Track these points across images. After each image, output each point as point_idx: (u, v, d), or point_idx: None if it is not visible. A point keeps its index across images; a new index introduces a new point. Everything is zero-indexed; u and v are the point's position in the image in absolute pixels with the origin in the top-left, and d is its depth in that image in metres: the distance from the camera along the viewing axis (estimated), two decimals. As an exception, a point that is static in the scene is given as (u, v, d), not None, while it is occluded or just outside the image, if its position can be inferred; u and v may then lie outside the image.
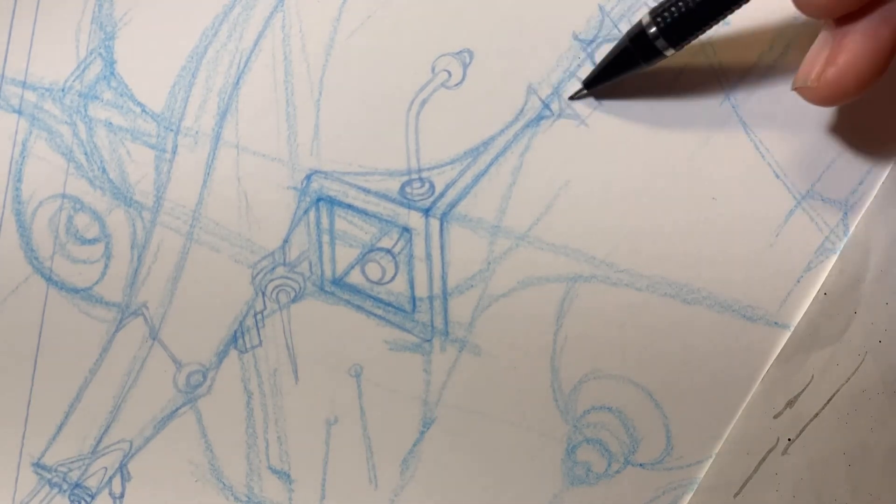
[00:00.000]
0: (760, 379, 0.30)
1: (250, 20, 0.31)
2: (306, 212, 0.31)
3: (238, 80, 0.32)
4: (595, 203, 0.30)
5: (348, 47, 0.31)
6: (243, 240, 0.32)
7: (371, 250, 0.31)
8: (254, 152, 0.32)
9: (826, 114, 0.30)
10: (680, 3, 0.26)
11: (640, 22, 0.27)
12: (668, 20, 0.27)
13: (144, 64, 0.32)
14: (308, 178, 0.31)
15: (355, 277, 0.32)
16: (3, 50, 0.33)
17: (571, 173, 0.30)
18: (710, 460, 0.31)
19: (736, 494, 0.30)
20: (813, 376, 0.29)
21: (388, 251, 0.31)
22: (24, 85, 0.32)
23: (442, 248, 0.31)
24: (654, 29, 0.27)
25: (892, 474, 0.29)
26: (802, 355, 0.30)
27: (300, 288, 0.32)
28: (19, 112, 0.32)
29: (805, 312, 0.30)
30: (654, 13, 0.27)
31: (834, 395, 0.29)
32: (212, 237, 0.32)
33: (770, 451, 0.30)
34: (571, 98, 0.30)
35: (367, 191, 0.31)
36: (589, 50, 0.30)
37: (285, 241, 0.32)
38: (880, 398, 0.29)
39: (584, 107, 0.30)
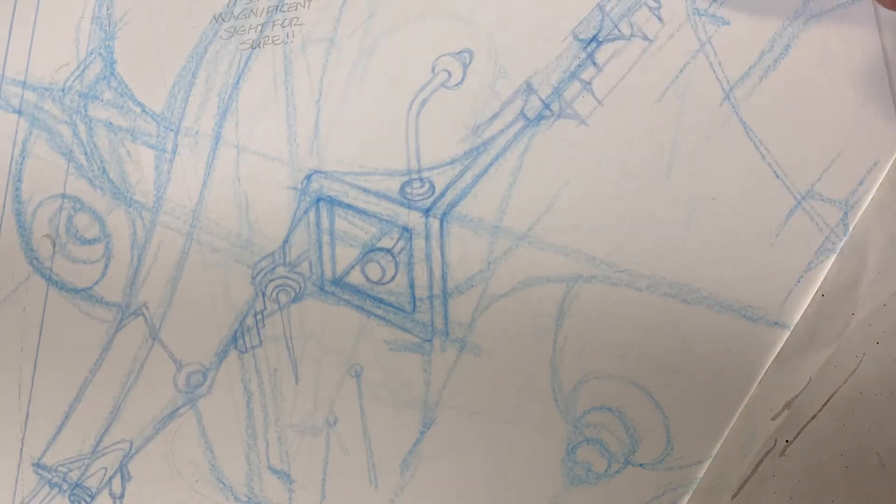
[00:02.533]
0: (759, 380, 0.30)
1: (250, 20, 0.31)
2: (306, 212, 0.31)
3: (238, 80, 0.31)
4: (595, 203, 0.30)
5: (348, 47, 0.31)
6: (243, 240, 0.32)
7: (371, 250, 0.31)
8: (254, 152, 0.32)
9: (826, 114, 0.29)
10: None
11: None
12: None
13: (144, 64, 0.32)
14: (308, 178, 0.31)
15: (355, 277, 0.32)
16: (3, 50, 0.33)
17: (571, 173, 0.30)
18: (710, 461, 0.31)
19: (734, 496, 0.30)
20: (811, 378, 0.29)
21: (388, 251, 0.31)
22: (24, 85, 0.32)
23: (442, 248, 0.31)
24: None
25: (890, 476, 0.29)
26: (801, 357, 0.30)
27: (300, 288, 0.32)
28: (19, 112, 0.32)
29: (803, 313, 0.30)
30: None
31: (832, 396, 0.29)
32: (212, 237, 0.32)
33: (768, 452, 0.30)
34: None
35: (367, 191, 0.31)
36: (589, 50, 0.30)
37: (285, 241, 0.32)
38: (878, 400, 0.29)
39: (585, 107, 0.30)
